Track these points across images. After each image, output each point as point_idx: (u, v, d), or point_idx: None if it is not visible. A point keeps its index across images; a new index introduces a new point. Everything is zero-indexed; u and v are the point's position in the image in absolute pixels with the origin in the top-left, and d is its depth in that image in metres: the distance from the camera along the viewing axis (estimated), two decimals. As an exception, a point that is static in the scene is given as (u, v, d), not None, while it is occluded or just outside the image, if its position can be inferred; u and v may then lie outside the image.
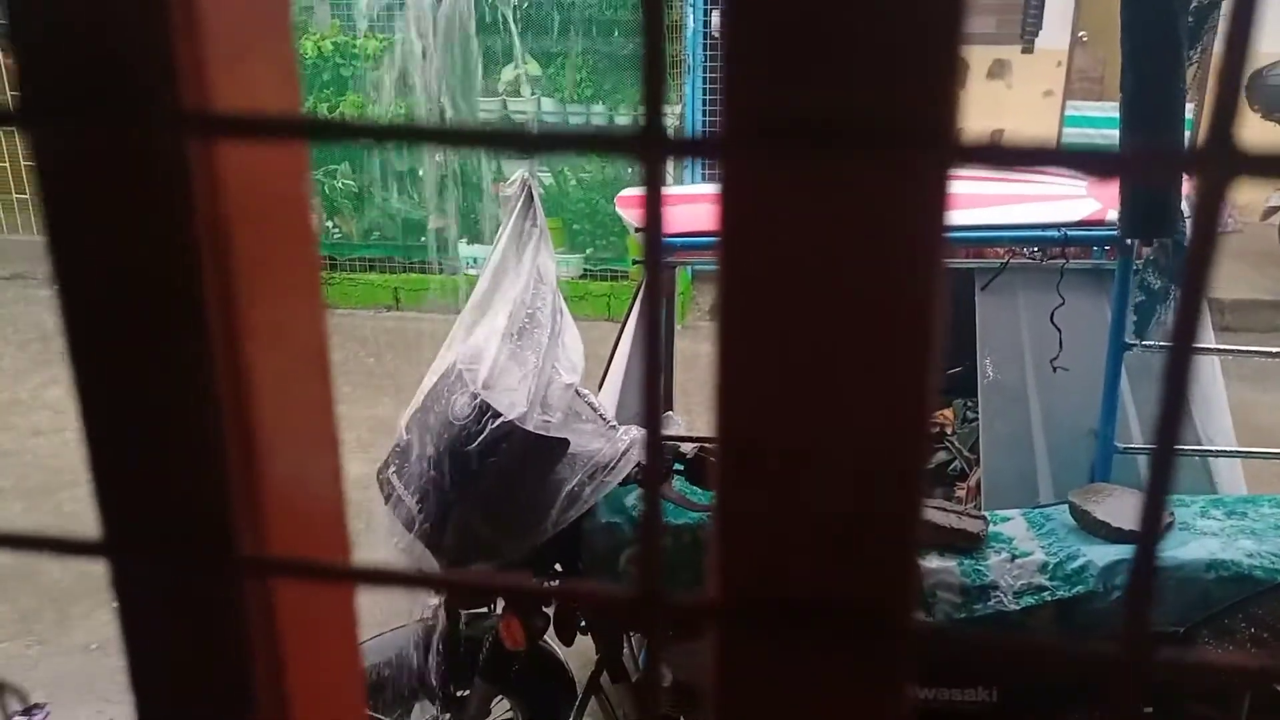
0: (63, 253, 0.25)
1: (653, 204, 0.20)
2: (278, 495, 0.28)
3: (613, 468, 2.21)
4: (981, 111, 8.46)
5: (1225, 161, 0.17)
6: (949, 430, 3.48)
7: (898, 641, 0.23)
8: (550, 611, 2.33)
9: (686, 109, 6.65)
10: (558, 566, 2.27)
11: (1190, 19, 1.95)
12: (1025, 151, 0.19)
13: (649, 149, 0.19)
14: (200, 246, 0.24)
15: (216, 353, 0.26)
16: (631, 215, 3.28)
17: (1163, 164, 0.19)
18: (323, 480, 0.31)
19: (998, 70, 8.62)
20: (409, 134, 0.21)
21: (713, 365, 0.22)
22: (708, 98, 6.67)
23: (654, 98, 0.19)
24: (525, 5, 6.46)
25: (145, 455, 0.27)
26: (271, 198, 0.27)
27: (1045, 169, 0.21)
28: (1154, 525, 0.20)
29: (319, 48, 6.66)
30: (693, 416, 3.37)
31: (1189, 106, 2.21)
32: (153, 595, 0.28)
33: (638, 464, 2.18)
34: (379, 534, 2.19)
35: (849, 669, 0.23)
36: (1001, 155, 0.19)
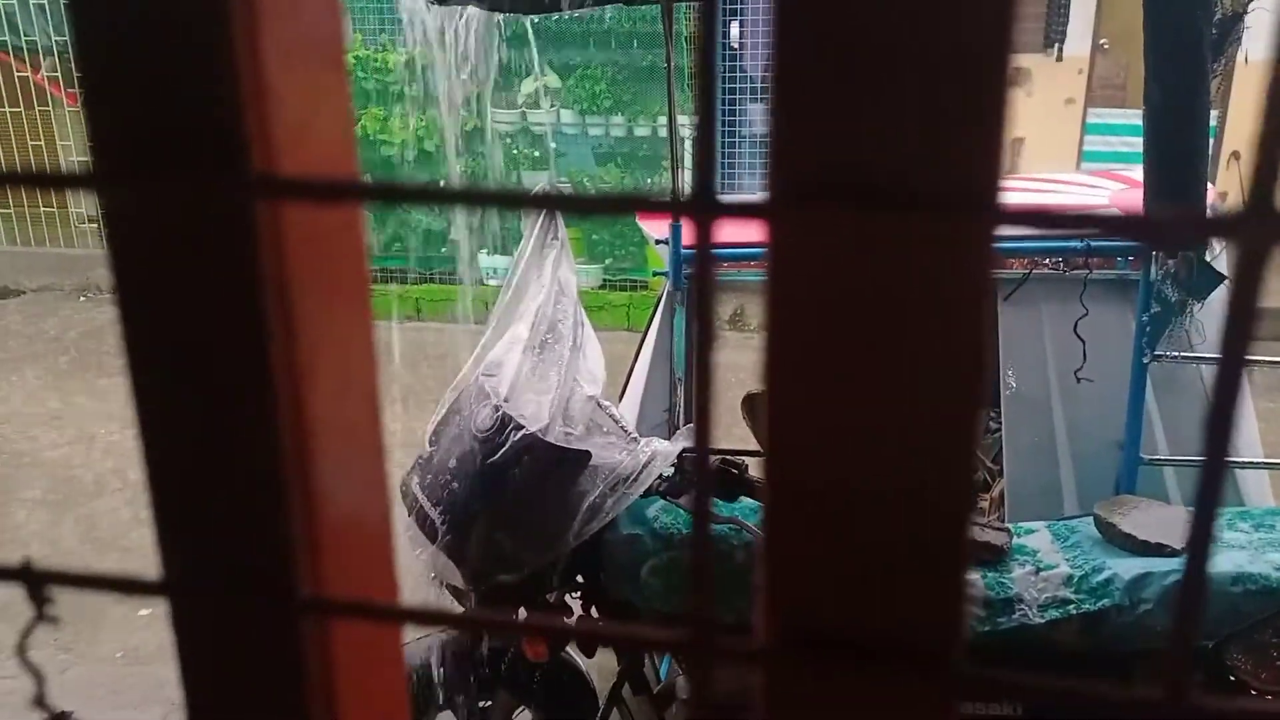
0: (132, 307, 0.26)
1: (705, 262, 0.21)
2: (334, 537, 0.29)
3: (634, 479, 2.21)
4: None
5: (1266, 229, 0.17)
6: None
7: (947, 676, 0.23)
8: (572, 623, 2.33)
9: (705, 119, 6.65)
10: (579, 578, 2.27)
11: (1214, 30, 1.94)
12: (1069, 217, 0.19)
13: (701, 212, 0.20)
14: (266, 301, 0.25)
15: (281, 401, 0.26)
16: (651, 226, 3.29)
17: (1203, 232, 0.20)
18: (375, 520, 0.31)
19: (1018, 78, 8.60)
20: (459, 198, 0.22)
21: (763, 413, 0.22)
22: (726, 108, 6.68)
23: (705, 163, 0.20)
24: (545, 18, 6.50)
25: (207, 499, 0.28)
26: (331, 252, 0.28)
27: (1083, 219, 0.21)
28: (1201, 558, 0.21)
29: (341, 61, 6.70)
30: (715, 428, 3.36)
31: (1212, 116, 2.19)
32: (211, 633, 0.29)
33: (659, 476, 2.18)
34: (401, 545, 2.20)
35: (897, 709, 0.24)
36: (1045, 220, 0.19)
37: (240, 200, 0.24)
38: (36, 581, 0.28)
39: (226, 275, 0.25)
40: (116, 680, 3.19)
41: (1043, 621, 1.96)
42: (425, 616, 0.26)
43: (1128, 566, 1.98)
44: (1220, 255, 2.76)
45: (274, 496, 0.27)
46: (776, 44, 0.20)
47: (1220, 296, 2.72)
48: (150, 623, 3.49)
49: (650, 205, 0.21)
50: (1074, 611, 1.95)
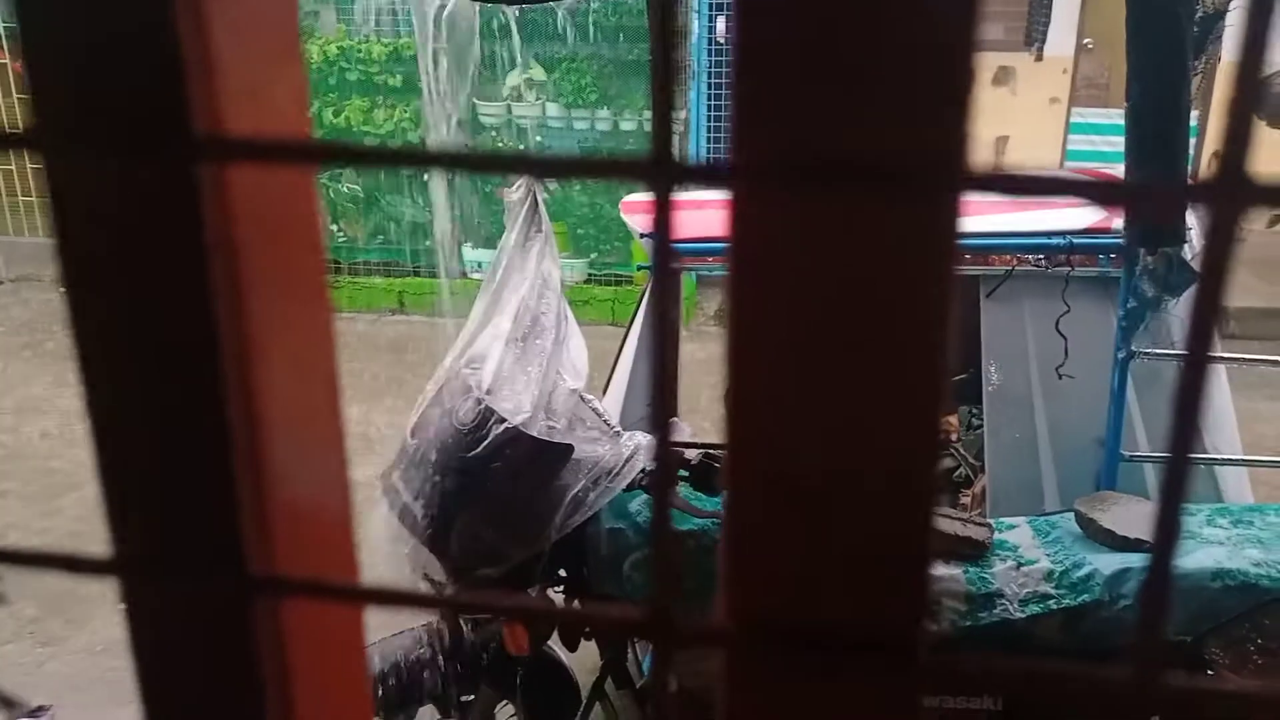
0: (75, 274, 0.25)
1: (662, 228, 0.20)
2: (287, 513, 0.28)
3: (617, 473, 2.20)
4: (986, 119, 8.45)
5: (1236, 193, 0.17)
6: (954, 437, 3.47)
7: (911, 666, 0.23)
8: (554, 617, 2.33)
9: (691, 115, 6.66)
10: (562, 572, 2.27)
11: (1196, 28, 1.95)
12: (1036, 180, 0.19)
13: (660, 176, 0.19)
14: (212, 268, 0.25)
15: (228, 372, 0.26)
16: (636, 220, 3.28)
17: (1173, 195, 0.19)
18: (331, 497, 0.31)
19: (1003, 77, 8.62)
20: (419, 159, 0.21)
21: (725, 392, 0.22)
22: (713, 104, 6.68)
23: (663, 126, 0.19)
24: (530, 11, 6.47)
25: (156, 474, 0.27)
26: (282, 217, 0.27)
27: (1053, 197, 0.21)
28: (1167, 545, 0.20)
29: (324, 52, 6.68)
30: (698, 422, 3.37)
31: (1194, 115, 2.20)
32: (163, 613, 0.28)
33: (642, 470, 2.17)
34: (382, 538, 2.19)
35: (861, 693, 0.23)
36: (1012, 184, 0.19)
37: (182, 163, 0.24)
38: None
39: (171, 244, 0.25)
40: (97, 674, 3.16)
41: (1024, 616, 1.97)
42: (380, 596, 0.25)
43: (1108, 562, 1.99)
44: (1199, 254, 2.78)
45: (223, 473, 0.26)
46: (741, 16, 0.19)
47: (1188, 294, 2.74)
48: (129, 616, 3.46)
49: (613, 170, 0.21)
50: (1054, 607, 1.96)
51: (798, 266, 0.21)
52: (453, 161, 0.22)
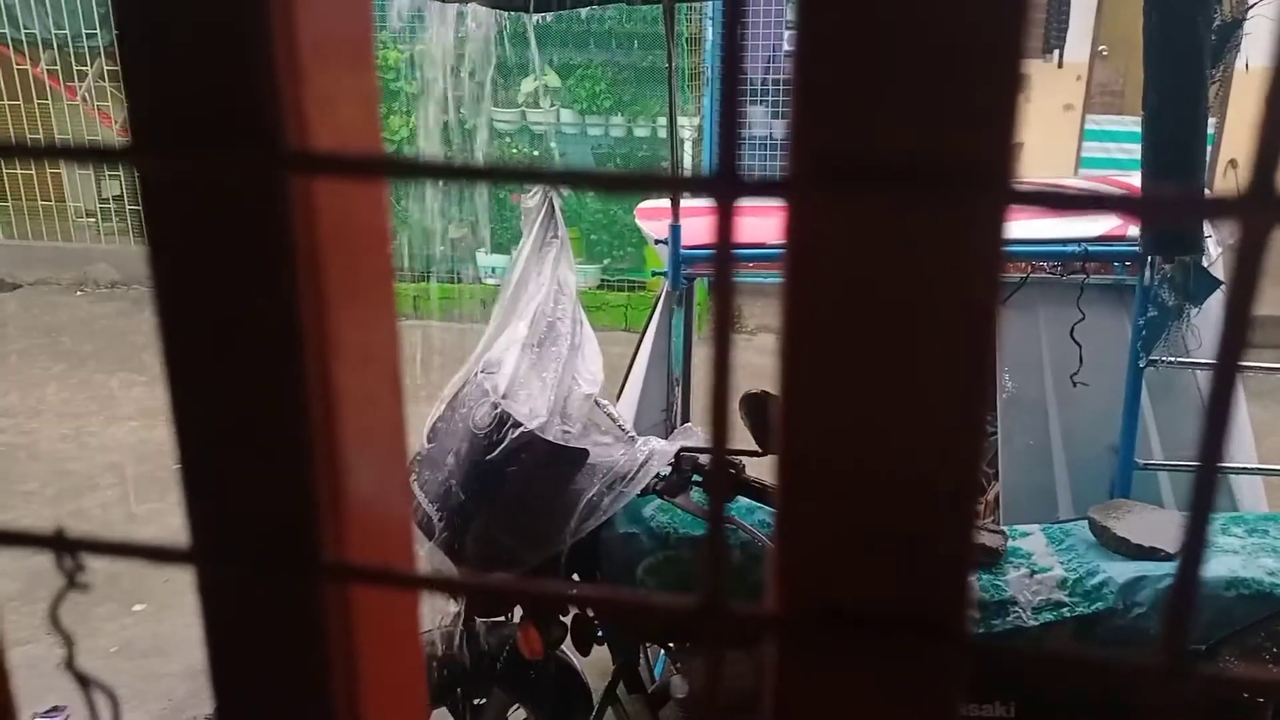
0: (166, 280, 0.27)
1: (724, 242, 0.21)
2: (357, 505, 0.29)
3: (631, 478, 2.22)
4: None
5: (1267, 209, 0.18)
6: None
7: (952, 652, 0.24)
8: (568, 621, 2.34)
9: (705, 121, 6.68)
10: (575, 577, 2.28)
11: (1213, 36, 1.95)
12: (1076, 197, 0.20)
13: (724, 190, 0.21)
14: (297, 275, 0.26)
15: (309, 370, 0.27)
16: (650, 226, 3.30)
17: (1203, 211, 0.20)
18: (395, 489, 0.32)
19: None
20: (478, 174, 0.23)
21: (778, 388, 0.23)
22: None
23: (729, 142, 0.21)
24: (545, 17, 6.50)
25: (236, 467, 0.28)
26: (358, 226, 0.29)
27: (1089, 208, 0.22)
28: (1197, 545, 0.21)
29: (341, 58, 6.72)
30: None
31: (1210, 123, 2.21)
32: (236, 601, 0.30)
33: (656, 475, 2.19)
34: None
35: (904, 680, 0.25)
36: (1055, 199, 0.20)
37: (275, 175, 0.25)
38: (69, 548, 0.29)
39: (260, 249, 0.26)
40: (111, 675, 3.18)
41: (1037, 624, 1.97)
42: (443, 584, 0.26)
43: (1122, 570, 1.99)
44: (1217, 261, 2.78)
45: (300, 466, 0.28)
46: (801, 28, 0.21)
47: (1217, 302, 2.74)
48: (143, 619, 3.49)
49: (677, 185, 0.22)
50: (1068, 615, 1.96)
51: (850, 268, 0.23)
52: (512, 175, 0.23)
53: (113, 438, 4.94)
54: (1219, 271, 2.56)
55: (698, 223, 3.05)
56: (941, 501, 0.24)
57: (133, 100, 0.25)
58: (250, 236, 0.26)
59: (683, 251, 3.05)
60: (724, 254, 0.21)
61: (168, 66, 0.25)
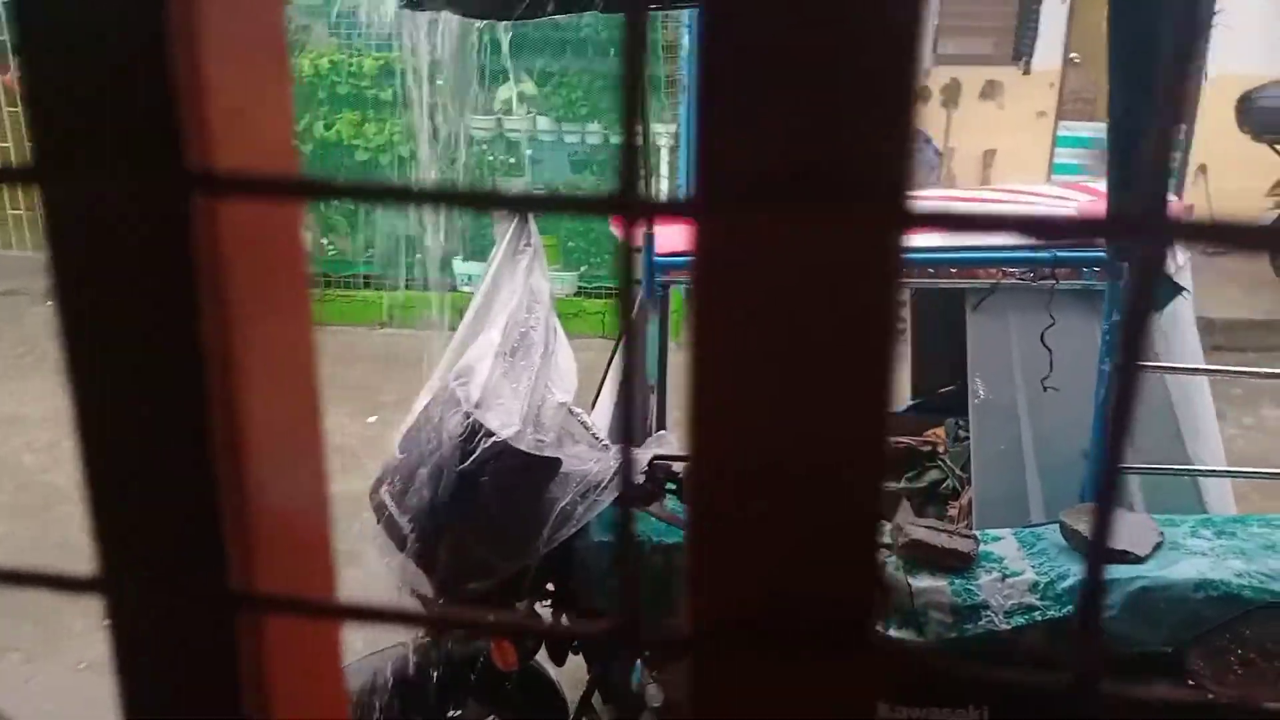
0: (68, 302, 0.26)
1: (626, 263, 0.21)
2: (270, 534, 0.29)
3: (605, 487, 2.21)
4: (974, 132, 8.52)
5: (1158, 231, 0.18)
6: (941, 449, 3.49)
7: (865, 660, 0.24)
8: (543, 632, 2.33)
9: (682, 128, 6.69)
10: (550, 586, 2.27)
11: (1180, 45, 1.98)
12: (974, 217, 0.20)
13: (627, 211, 0.20)
14: (200, 294, 0.26)
15: (213, 392, 0.27)
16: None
17: (1105, 232, 0.20)
18: (313, 519, 0.32)
19: (990, 91, 8.69)
20: (400, 195, 0.22)
21: (686, 400, 0.23)
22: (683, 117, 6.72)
23: (630, 163, 0.21)
24: (522, 26, 6.50)
25: (141, 491, 0.28)
26: (268, 234, 0.28)
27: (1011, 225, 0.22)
28: (1099, 564, 0.21)
29: (315, 66, 6.70)
30: (676, 431, 3.37)
31: (1181, 129, 2.23)
32: (147, 629, 0.29)
33: (630, 483, 2.18)
34: (370, 553, 2.19)
35: (819, 689, 0.24)
36: (954, 221, 0.20)
37: (177, 196, 0.25)
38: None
39: (162, 271, 0.26)
40: (80, 690, 3.14)
41: (1009, 628, 1.98)
42: (357, 612, 0.26)
43: (1092, 573, 2.01)
44: (1184, 268, 2.81)
45: (207, 492, 0.27)
46: (700, 48, 0.21)
47: (1184, 307, 2.77)
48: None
49: (582, 206, 0.22)
50: (1039, 618, 1.97)
51: (753, 284, 0.23)
52: (432, 198, 0.23)
53: (83, 449, 4.87)
54: (1184, 278, 2.59)
55: (671, 230, 3.05)
56: (848, 510, 0.24)
57: (33, 117, 0.25)
58: (153, 259, 0.26)
59: (657, 259, 3.06)
60: (626, 270, 0.21)
61: (69, 83, 0.24)
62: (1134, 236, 0.19)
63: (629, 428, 0.23)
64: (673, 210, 0.21)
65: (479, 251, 6.75)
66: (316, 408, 0.32)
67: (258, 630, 0.29)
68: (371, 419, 5.16)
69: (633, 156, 0.21)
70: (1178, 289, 2.34)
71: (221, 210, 0.26)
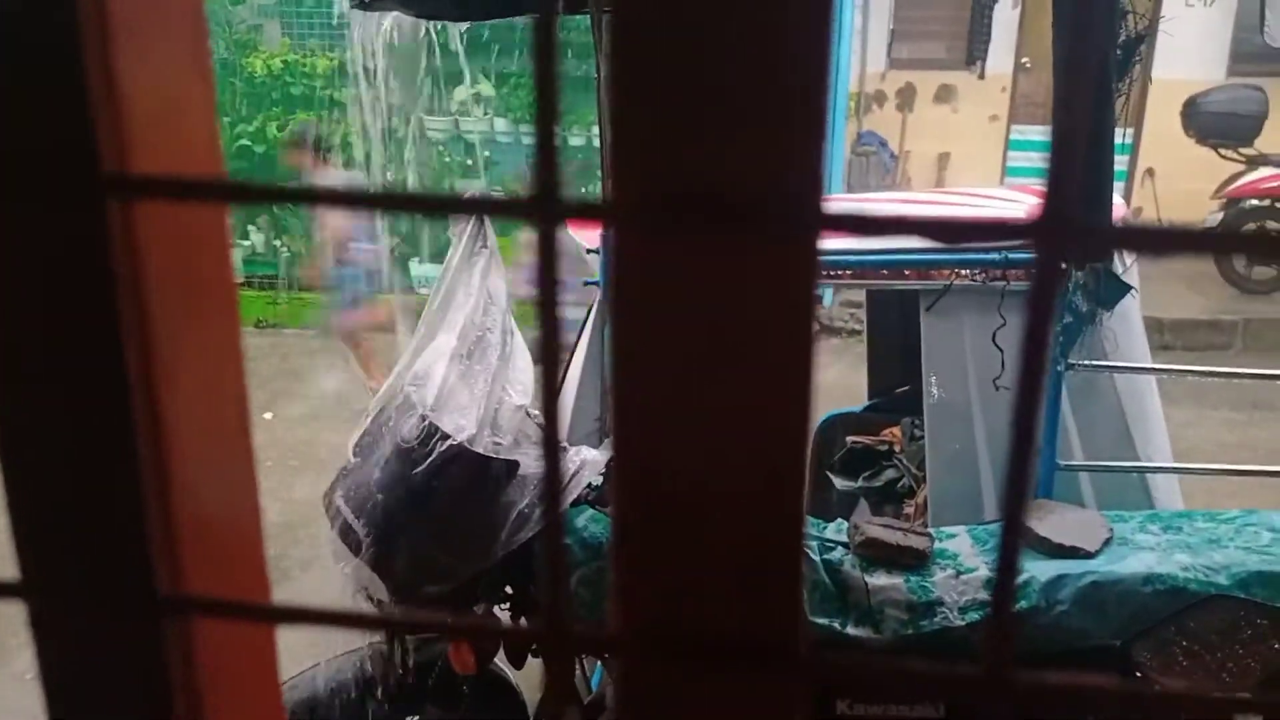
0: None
1: (547, 264, 0.21)
2: (198, 538, 0.28)
3: (563, 488, 2.20)
4: (929, 135, 8.64)
5: (1060, 235, 0.19)
6: (897, 448, 3.53)
7: (792, 663, 0.24)
8: (501, 634, 2.32)
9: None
10: (509, 589, 2.26)
11: (1119, 52, 2.03)
12: (884, 222, 0.20)
13: (544, 213, 0.21)
14: (120, 303, 0.25)
15: (137, 402, 0.26)
16: (583, 236, 3.30)
17: (1004, 234, 0.21)
18: (243, 522, 0.31)
19: (944, 95, 8.81)
20: (322, 198, 0.22)
21: (609, 411, 0.23)
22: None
23: (546, 165, 0.21)
24: (479, 26, 6.47)
25: (65, 498, 0.27)
26: (191, 240, 0.28)
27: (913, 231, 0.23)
28: (1012, 557, 0.22)
29: (268, 66, 6.62)
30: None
31: (1128, 133, 2.28)
32: (71, 635, 0.29)
33: (589, 485, 2.18)
34: (325, 558, 2.17)
35: (742, 700, 0.25)
36: (864, 224, 0.20)
37: (91, 200, 0.24)
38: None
39: (82, 278, 0.25)
40: (26, 700, 3.07)
41: (964, 624, 2.01)
42: (287, 615, 0.26)
43: (1044, 569, 2.04)
44: (1132, 268, 2.87)
45: (130, 496, 0.27)
46: (612, 61, 0.21)
47: (1132, 307, 2.83)
48: (64, 642, 3.37)
49: (499, 209, 0.22)
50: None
51: (671, 294, 0.23)
52: (354, 201, 0.23)
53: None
54: (1132, 278, 2.65)
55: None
56: (771, 520, 0.24)
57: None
58: (72, 266, 0.25)
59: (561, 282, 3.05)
60: (546, 280, 0.21)
61: None
62: (1027, 240, 0.20)
63: (550, 440, 0.24)
64: (588, 214, 0.21)
65: (436, 253, 6.71)
66: (245, 411, 0.32)
67: (187, 634, 0.28)
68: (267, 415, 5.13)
69: (550, 158, 0.21)
70: (1125, 288, 2.39)
71: (141, 218, 0.25)
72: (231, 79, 6.66)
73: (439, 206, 0.22)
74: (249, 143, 6.88)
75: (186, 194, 0.24)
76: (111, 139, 0.24)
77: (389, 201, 0.22)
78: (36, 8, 0.23)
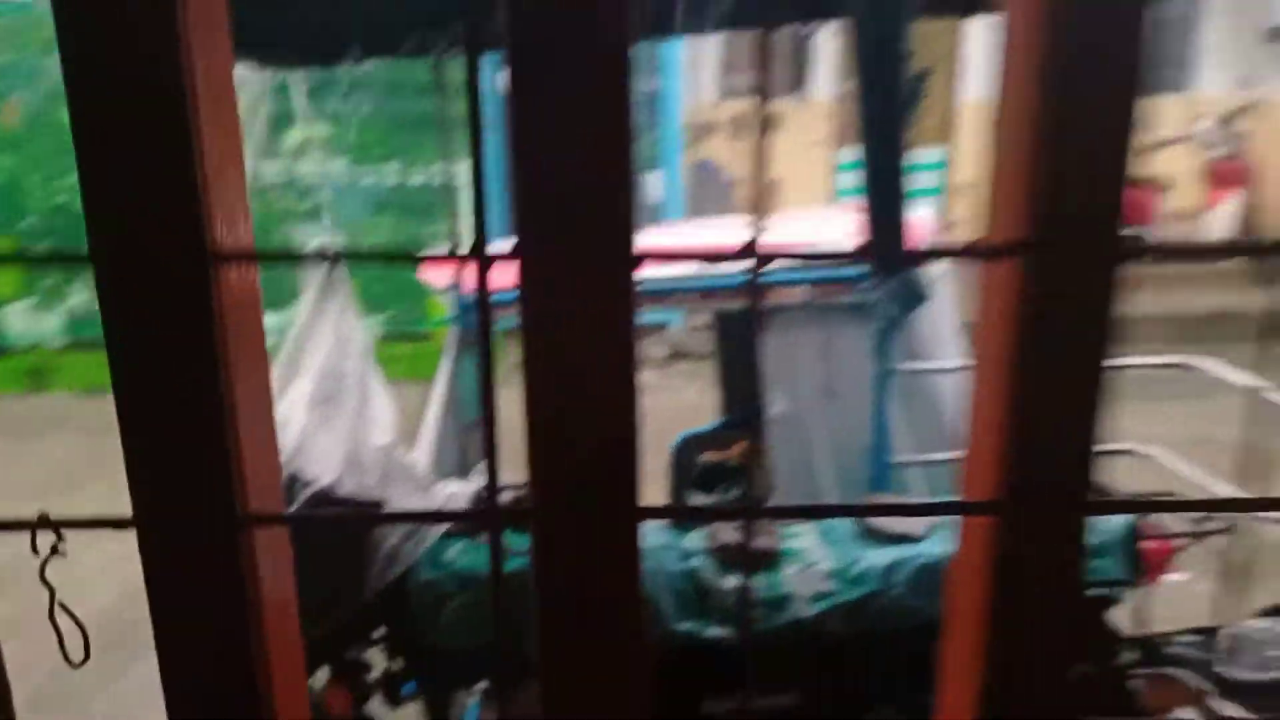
0: (117, 336, 0.37)
1: (484, 310, 0.33)
2: (251, 468, 0.41)
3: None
4: (757, 163, 8.98)
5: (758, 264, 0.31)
6: (747, 461, 3.72)
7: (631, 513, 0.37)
8: (376, 678, 2.33)
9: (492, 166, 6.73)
10: (384, 628, 2.28)
11: (907, 88, 2.32)
12: (696, 253, 0.32)
13: (480, 260, 0.32)
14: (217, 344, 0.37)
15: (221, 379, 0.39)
16: (435, 277, 3.34)
17: (764, 259, 0.33)
18: (270, 461, 0.45)
19: (770, 121, 9.20)
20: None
21: (524, 388, 0.34)
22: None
23: (481, 221, 0.32)
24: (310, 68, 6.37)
25: (166, 449, 0.40)
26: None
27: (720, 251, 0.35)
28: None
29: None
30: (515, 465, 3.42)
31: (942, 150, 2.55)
32: (171, 554, 0.40)
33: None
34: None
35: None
36: (676, 256, 0.32)
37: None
38: (54, 527, 0.41)
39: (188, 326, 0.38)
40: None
41: (813, 614, 2.17)
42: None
43: (881, 556, 2.23)
44: (944, 276, 3.17)
45: (220, 447, 0.39)
46: (511, 120, 0.32)
47: (943, 312, 3.12)
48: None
49: (434, 259, 0.33)
50: (838, 601, 2.18)
51: (550, 308, 0.35)
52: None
53: None
54: (943, 286, 2.94)
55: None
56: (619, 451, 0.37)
57: (94, 212, 0.35)
58: (182, 311, 0.38)
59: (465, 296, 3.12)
60: (484, 316, 0.33)
61: (128, 183, 0.36)
62: (806, 258, 0.32)
63: (490, 446, 0.34)
64: (510, 258, 0.32)
65: (275, 302, 6.52)
66: (269, 398, 0.45)
67: (251, 550, 0.42)
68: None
69: (483, 213, 0.32)
70: (922, 296, 2.64)
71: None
72: (48, 131, 6.34)
73: (367, 258, 0.33)
74: (66, 199, 6.57)
75: (265, 260, 0.36)
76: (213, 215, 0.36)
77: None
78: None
